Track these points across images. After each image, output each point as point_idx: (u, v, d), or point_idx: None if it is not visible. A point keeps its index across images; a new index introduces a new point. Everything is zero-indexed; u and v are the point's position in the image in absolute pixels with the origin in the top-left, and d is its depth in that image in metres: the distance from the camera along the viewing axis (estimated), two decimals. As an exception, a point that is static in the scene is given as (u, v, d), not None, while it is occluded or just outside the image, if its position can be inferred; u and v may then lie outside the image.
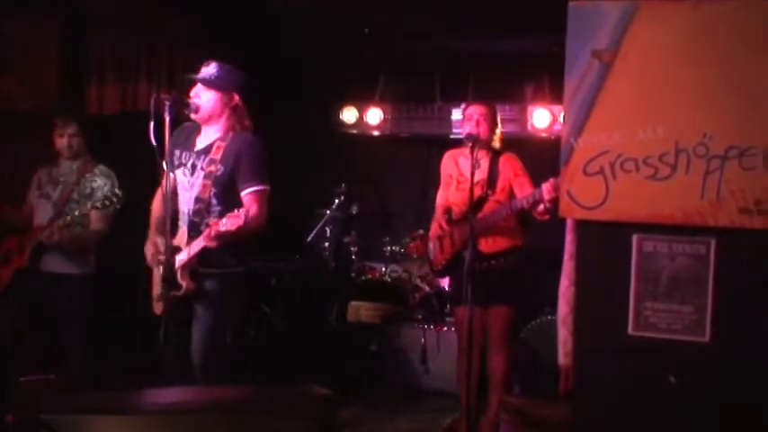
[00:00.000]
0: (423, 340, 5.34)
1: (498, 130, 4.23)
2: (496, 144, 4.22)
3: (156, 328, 3.28)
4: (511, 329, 4.19)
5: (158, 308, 3.50)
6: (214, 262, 3.43)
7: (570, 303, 2.95)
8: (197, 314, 3.45)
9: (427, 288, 5.89)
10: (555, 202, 3.65)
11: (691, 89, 2.32)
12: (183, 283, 3.37)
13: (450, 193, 4.28)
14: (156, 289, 3.51)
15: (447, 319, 5.55)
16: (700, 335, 2.33)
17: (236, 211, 3.24)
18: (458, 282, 4.15)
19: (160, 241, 3.51)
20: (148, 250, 3.57)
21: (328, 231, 6.30)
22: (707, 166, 2.31)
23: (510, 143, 4.48)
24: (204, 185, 3.47)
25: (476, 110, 4.17)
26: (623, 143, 2.38)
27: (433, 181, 4.68)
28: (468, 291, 3.61)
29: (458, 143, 4.42)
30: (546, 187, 3.71)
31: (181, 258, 3.39)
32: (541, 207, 3.82)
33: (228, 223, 3.20)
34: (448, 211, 4.26)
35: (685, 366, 2.34)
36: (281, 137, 6.63)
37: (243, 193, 3.46)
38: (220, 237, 3.27)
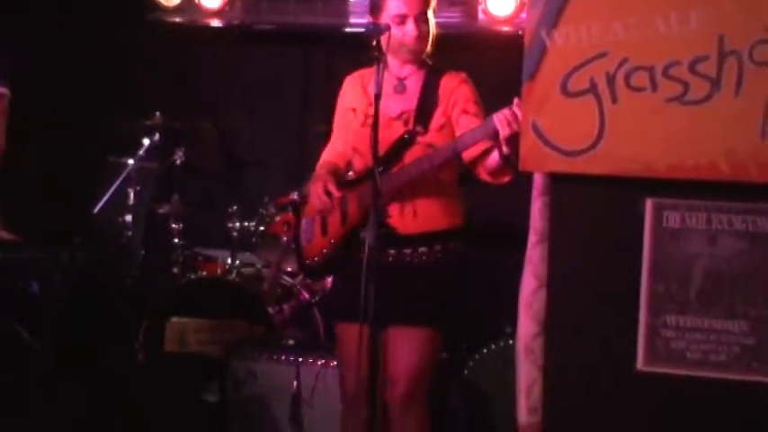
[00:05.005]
0: (295, 382, 5.30)
1: (431, 27, 4.21)
2: (427, 51, 4.20)
3: None
4: (433, 366, 4.22)
5: None
6: None
7: (539, 318, 2.96)
8: None
9: (305, 293, 5.91)
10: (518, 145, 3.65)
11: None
12: None
13: (350, 134, 4.25)
14: None
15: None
16: (760, 371, 2.37)
17: None
18: (348, 281, 4.15)
19: None
20: None
21: (131, 195, 6.25)
22: (774, 82, 2.34)
23: (448, 47, 4.44)
24: None
25: None
26: (630, 40, 2.40)
27: (317, 108, 4.60)
28: (367, 295, 3.58)
29: (361, 52, 4.35)
30: (503, 115, 3.67)
31: None
32: (495, 157, 3.81)
33: None
34: (336, 168, 4.24)
35: (735, 424, 2.39)
36: (44, 31, 6.52)
37: None
38: None
